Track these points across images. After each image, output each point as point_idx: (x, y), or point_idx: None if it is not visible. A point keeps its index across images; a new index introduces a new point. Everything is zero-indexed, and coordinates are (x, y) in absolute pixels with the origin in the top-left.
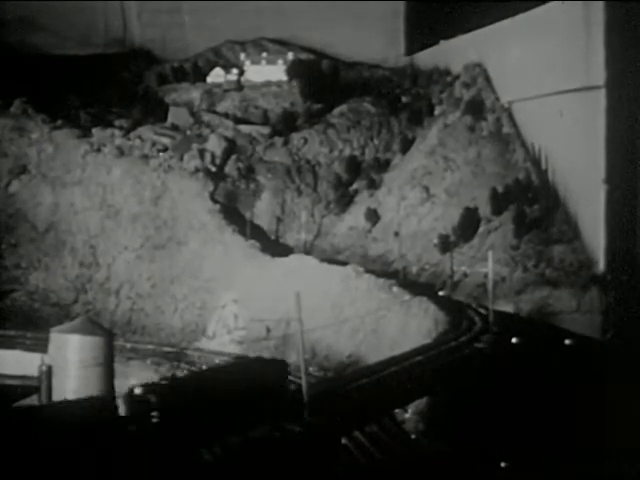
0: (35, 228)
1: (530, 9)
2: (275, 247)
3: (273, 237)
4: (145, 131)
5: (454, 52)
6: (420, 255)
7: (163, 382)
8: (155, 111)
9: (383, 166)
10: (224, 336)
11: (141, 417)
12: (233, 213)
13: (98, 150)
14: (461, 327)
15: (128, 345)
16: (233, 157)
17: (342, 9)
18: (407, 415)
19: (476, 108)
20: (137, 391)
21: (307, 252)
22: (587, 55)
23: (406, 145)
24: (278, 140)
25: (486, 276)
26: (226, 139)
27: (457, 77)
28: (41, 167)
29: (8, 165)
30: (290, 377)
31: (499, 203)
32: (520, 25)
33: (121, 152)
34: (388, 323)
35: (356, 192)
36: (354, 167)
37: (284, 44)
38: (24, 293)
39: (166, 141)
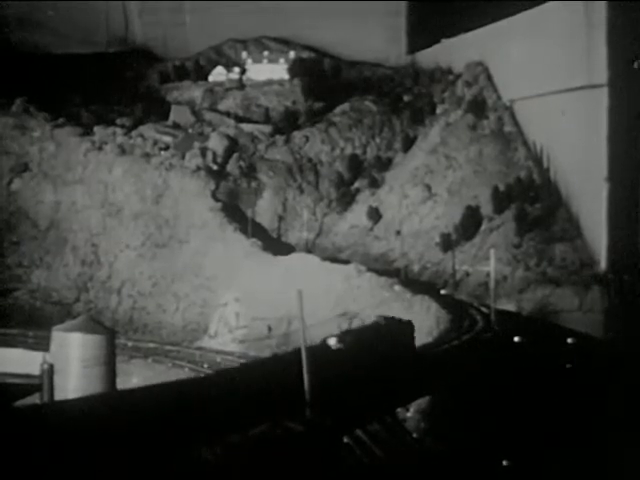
0: (37, 226)
1: (532, 8)
2: (277, 245)
3: (275, 235)
4: (147, 129)
5: (456, 51)
6: (422, 253)
7: (343, 336)
8: (157, 109)
9: (385, 165)
10: (226, 334)
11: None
12: (235, 211)
13: (100, 148)
14: (463, 326)
15: (130, 343)
16: (235, 155)
17: (344, 8)
18: (409, 414)
19: (478, 107)
20: (330, 342)
21: (309, 250)
22: (589, 54)
23: (408, 144)
24: (280, 138)
25: (488, 275)
26: (228, 137)
27: (459, 76)
28: (43, 165)
29: (10, 163)
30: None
31: (501, 201)
32: (522, 24)
33: (123, 150)
34: None
35: (358, 191)
36: (356, 165)
37: (286, 43)
38: (26, 291)
39: (168, 139)
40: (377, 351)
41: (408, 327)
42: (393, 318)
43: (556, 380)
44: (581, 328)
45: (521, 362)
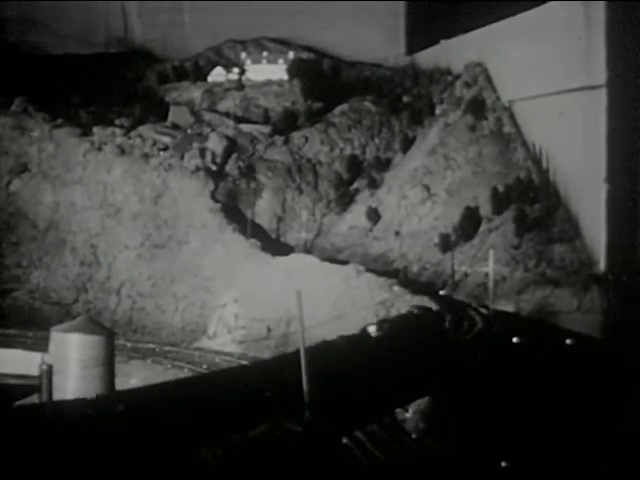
0: (36, 227)
1: (531, 8)
2: (276, 246)
3: (274, 236)
4: (146, 130)
5: (455, 51)
6: (421, 254)
7: (382, 323)
8: (156, 110)
9: (384, 165)
10: (225, 335)
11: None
12: (234, 212)
13: (99, 149)
14: (462, 326)
15: (129, 344)
16: (234, 156)
17: (343, 8)
18: (408, 415)
19: (477, 107)
20: (370, 329)
21: (308, 251)
22: (588, 54)
23: (407, 144)
24: (279, 139)
25: (487, 275)
26: (227, 138)
27: (458, 76)
28: (42, 166)
29: (9, 164)
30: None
31: (500, 202)
32: (521, 24)
33: (122, 151)
34: None
35: (357, 191)
36: (355, 166)
37: (285, 43)
38: (25, 292)
39: (167, 140)
40: (412, 339)
41: (439, 316)
42: (424, 307)
43: (555, 381)
44: (580, 329)
45: (520, 363)
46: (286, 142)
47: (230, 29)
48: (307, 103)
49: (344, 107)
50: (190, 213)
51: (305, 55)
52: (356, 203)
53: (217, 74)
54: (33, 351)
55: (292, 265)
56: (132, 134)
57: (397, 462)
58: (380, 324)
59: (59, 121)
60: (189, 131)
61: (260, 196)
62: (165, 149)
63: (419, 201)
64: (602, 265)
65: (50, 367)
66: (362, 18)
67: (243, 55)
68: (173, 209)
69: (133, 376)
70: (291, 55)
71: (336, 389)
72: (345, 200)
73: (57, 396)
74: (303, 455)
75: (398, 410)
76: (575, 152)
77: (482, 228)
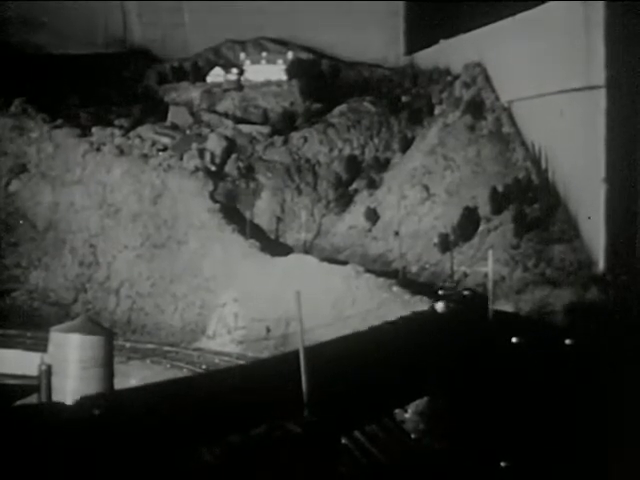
0: (35, 227)
1: (530, 8)
2: (275, 246)
3: (273, 236)
4: (145, 130)
5: (454, 51)
6: (420, 254)
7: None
8: (155, 110)
9: (383, 165)
10: (224, 335)
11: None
12: (233, 212)
13: (98, 149)
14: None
15: (128, 344)
16: (233, 156)
17: (342, 9)
18: (407, 415)
19: (476, 107)
20: (438, 306)
21: (307, 251)
22: (587, 55)
23: (406, 144)
24: (278, 139)
25: (486, 275)
26: (226, 138)
27: (457, 77)
28: (41, 166)
29: (8, 164)
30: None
31: (499, 202)
32: (520, 24)
33: (121, 151)
34: None
35: (356, 191)
36: (354, 166)
37: (284, 44)
38: (24, 292)
39: (166, 140)
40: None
41: (484, 300)
42: (474, 291)
43: (555, 381)
44: (579, 329)
45: (519, 363)
46: (285, 142)
47: (229, 29)
48: (306, 103)
49: (343, 107)
50: (189, 213)
51: (304, 55)
52: (355, 203)
53: (216, 74)
54: (32, 351)
55: (291, 265)
56: (131, 134)
57: (396, 462)
58: (446, 302)
59: (58, 121)
60: (188, 132)
61: (259, 196)
62: (164, 149)
63: (418, 201)
64: (601, 265)
65: (49, 367)
66: (361, 18)
67: (242, 55)
68: (172, 209)
69: (132, 376)
70: (290, 55)
71: (348, 383)
72: (344, 200)
73: (56, 397)
74: (302, 455)
75: (397, 410)
76: (574, 152)
77: (481, 228)
